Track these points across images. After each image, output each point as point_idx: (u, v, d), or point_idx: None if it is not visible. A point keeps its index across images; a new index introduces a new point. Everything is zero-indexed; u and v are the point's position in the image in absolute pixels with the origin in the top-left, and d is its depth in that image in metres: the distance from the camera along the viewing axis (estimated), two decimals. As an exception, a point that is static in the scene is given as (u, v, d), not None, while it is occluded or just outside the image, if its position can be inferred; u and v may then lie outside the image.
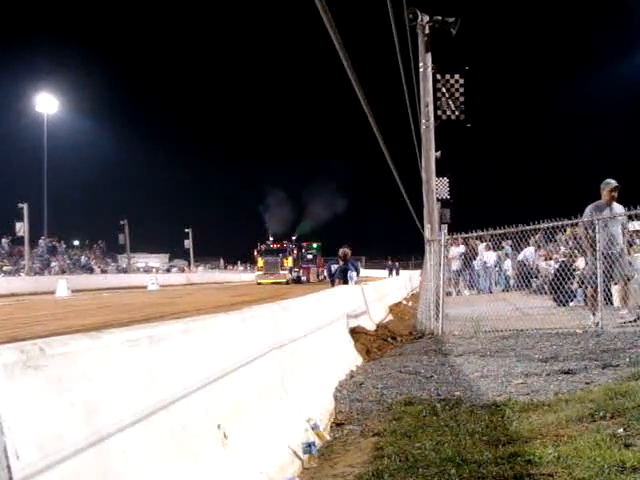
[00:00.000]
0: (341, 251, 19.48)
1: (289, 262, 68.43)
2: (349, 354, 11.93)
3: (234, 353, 5.62)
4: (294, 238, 77.66)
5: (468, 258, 22.94)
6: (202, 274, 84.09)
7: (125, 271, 72.37)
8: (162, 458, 3.89)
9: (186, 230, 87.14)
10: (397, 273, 77.13)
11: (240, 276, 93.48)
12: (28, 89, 68.34)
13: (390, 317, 21.43)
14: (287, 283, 64.70)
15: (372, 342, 13.96)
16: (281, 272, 66.51)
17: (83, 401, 3.27)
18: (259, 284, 64.03)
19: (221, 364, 5.21)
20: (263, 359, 6.39)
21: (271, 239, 74.19)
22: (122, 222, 68.82)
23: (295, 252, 71.34)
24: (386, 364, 11.52)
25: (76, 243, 77.61)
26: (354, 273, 18.90)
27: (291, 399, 6.81)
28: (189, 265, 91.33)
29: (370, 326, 16.30)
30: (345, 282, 18.70)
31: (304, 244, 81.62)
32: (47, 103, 66.09)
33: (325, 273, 74.42)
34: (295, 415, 6.61)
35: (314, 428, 6.66)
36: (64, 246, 71.06)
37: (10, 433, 2.71)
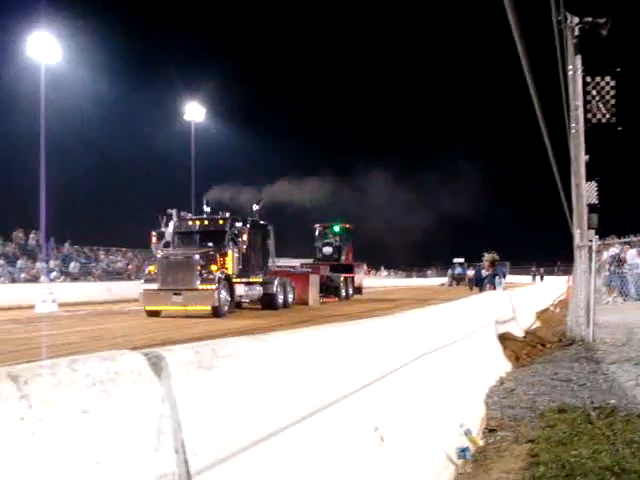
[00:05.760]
0: (489, 256, 19.31)
1: (228, 260, 29.48)
2: (498, 360, 11.83)
3: (389, 357, 5.68)
4: (256, 208, 34.86)
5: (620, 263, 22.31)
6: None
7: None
8: (322, 457, 3.98)
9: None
10: (541, 279, 75.74)
11: (383, 282, 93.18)
12: (177, 98, 70.22)
13: (538, 323, 21.08)
14: (215, 313, 27.19)
15: (521, 348, 13.78)
16: (202, 287, 27.45)
17: (251, 400, 3.39)
18: (148, 313, 27.78)
19: (377, 367, 5.28)
20: (417, 363, 6.44)
21: (206, 209, 33.19)
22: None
23: (246, 238, 30.25)
24: (536, 371, 11.38)
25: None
26: (502, 279, 18.72)
27: (444, 404, 6.83)
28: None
29: (518, 332, 16.09)
30: (494, 288, 18.56)
31: (317, 226, 48.10)
32: (195, 112, 67.96)
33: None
34: (448, 420, 6.62)
35: (467, 433, 6.66)
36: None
37: (187, 430, 2.84)
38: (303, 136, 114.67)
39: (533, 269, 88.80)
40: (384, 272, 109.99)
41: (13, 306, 32.09)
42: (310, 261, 45.12)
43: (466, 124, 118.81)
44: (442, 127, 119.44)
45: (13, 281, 42.65)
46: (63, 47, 47.51)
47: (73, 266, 50.62)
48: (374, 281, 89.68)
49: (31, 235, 50.14)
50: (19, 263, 46.07)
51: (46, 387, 2.21)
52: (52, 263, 48.38)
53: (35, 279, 43.30)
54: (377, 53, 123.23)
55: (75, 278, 48.95)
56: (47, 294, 31.00)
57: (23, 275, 44.87)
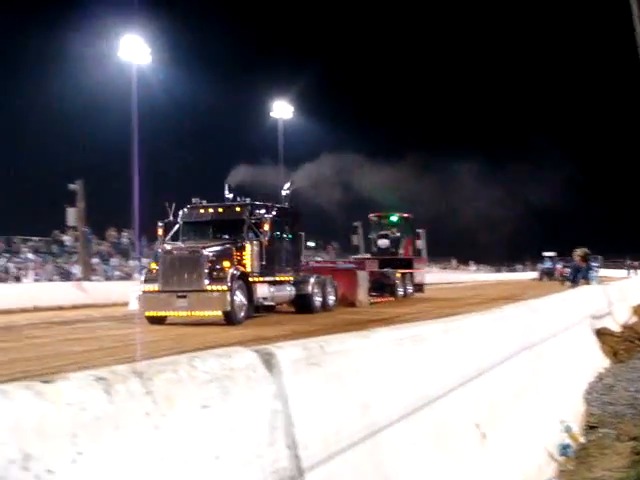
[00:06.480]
0: (581, 251, 19.01)
1: (246, 255, 23.57)
2: (595, 356, 11.63)
3: (488, 353, 5.65)
4: (285, 193, 28.99)
5: None
6: (436, 274, 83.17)
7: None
8: (426, 453, 3.99)
9: (418, 230, 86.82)
10: (636, 273, 74.15)
11: (474, 276, 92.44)
12: (264, 96, 70.66)
13: (635, 318, 20.57)
14: (228, 319, 21.86)
15: (618, 344, 13.49)
16: (211, 288, 21.91)
17: (357, 396, 3.43)
18: (150, 320, 22.47)
19: (477, 363, 5.26)
20: (515, 359, 6.38)
21: (228, 195, 27.08)
22: (355, 224, 69.97)
23: (268, 228, 24.16)
24: (636, 367, 11.14)
25: (311, 244, 79.51)
26: (596, 273, 18.42)
27: (543, 400, 6.76)
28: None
29: (615, 327, 15.76)
30: (588, 283, 18.29)
31: (372, 216, 43.41)
32: (283, 109, 68.28)
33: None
34: (548, 416, 6.55)
35: (567, 430, 6.58)
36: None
37: (299, 425, 2.89)
38: (386, 130, 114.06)
39: (628, 263, 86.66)
40: (473, 267, 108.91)
41: (108, 303, 32.76)
42: (367, 256, 39.74)
43: (556, 113, 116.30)
44: (530, 116, 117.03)
45: (107, 279, 43.70)
46: (153, 49, 48.24)
47: (164, 264, 51.50)
48: (462, 276, 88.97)
49: (124, 234, 51.30)
50: (112, 261, 47.28)
51: (168, 383, 2.27)
52: (144, 261, 49.34)
53: (128, 276, 44.24)
54: (460, 44, 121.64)
55: (167, 276, 49.84)
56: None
57: (117, 273, 45.94)
